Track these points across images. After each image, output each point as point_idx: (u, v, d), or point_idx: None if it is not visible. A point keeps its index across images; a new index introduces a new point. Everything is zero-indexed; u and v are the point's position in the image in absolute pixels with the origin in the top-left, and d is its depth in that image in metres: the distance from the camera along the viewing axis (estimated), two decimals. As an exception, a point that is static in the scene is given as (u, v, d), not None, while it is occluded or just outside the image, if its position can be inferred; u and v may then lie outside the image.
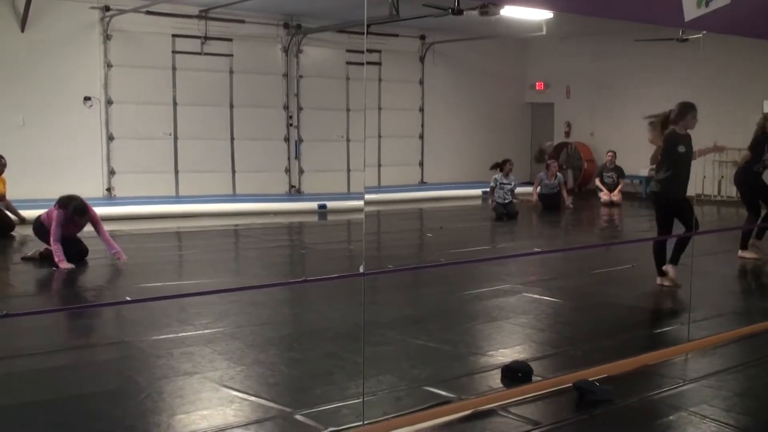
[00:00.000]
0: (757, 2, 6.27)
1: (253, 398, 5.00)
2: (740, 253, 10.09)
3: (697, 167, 17.46)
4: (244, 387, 5.21)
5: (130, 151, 15.44)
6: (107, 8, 14.90)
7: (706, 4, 5.73)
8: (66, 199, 9.43)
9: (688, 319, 6.56)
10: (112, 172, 15.38)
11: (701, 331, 6.55)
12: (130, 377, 5.43)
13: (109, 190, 15.29)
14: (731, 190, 17.50)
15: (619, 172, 17.30)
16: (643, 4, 5.58)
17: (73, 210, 9.32)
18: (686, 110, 8.21)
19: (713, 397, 5.09)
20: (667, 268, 8.31)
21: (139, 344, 6.22)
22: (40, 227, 9.61)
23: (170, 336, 6.38)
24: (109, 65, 15.13)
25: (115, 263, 9.42)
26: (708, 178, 17.65)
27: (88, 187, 13.61)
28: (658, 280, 8.40)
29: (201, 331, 6.54)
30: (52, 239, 9.15)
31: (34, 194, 12.88)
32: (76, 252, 9.44)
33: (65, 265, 9.07)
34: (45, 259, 9.44)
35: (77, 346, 6.40)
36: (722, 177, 17.72)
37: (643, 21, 5.93)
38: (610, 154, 17.54)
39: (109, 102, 15.21)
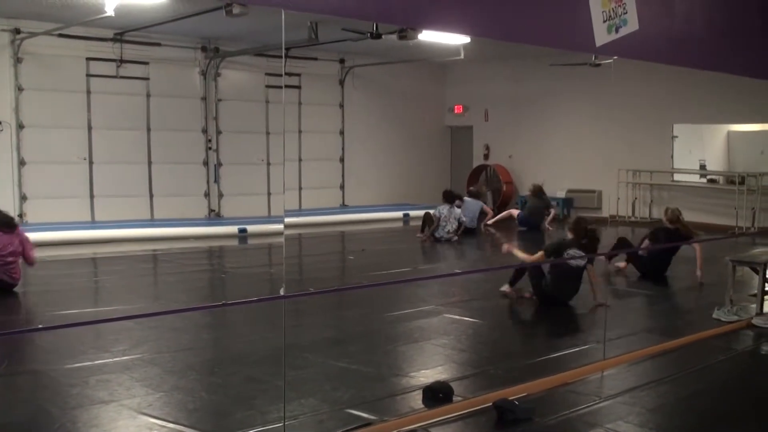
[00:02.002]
0: (664, 29, 6.49)
1: (172, 425, 4.91)
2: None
3: (611, 189, 18.03)
4: (163, 414, 5.12)
5: (43, 175, 15.05)
6: (18, 31, 14.55)
7: (616, 30, 5.92)
8: None
9: (604, 337, 6.70)
10: (24, 198, 14.97)
11: (616, 349, 6.71)
12: (42, 407, 5.28)
13: (21, 215, 14.86)
14: (644, 211, 18.03)
15: (547, 203, 17.05)
16: (556, 30, 5.72)
17: None
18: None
19: (628, 414, 5.21)
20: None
21: (53, 373, 6.05)
22: None
23: (86, 364, 6.23)
24: (20, 89, 14.76)
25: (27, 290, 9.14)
26: (622, 200, 18.08)
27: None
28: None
29: (118, 358, 6.40)
30: None
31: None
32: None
33: None
34: None
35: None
36: (636, 198, 18.21)
37: (557, 46, 6.08)
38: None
39: (20, 126, 14.81)
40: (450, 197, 14.93)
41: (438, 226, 14.43)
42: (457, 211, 14.72)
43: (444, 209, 14.58)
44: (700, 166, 17.93)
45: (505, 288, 9.14)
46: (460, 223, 14.57)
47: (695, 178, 17.84)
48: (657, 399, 5.58)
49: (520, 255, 9.09)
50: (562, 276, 8.52)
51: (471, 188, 17.46)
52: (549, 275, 8.64)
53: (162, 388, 5.68)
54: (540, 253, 8.71)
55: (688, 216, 11.50)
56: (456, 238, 14.36)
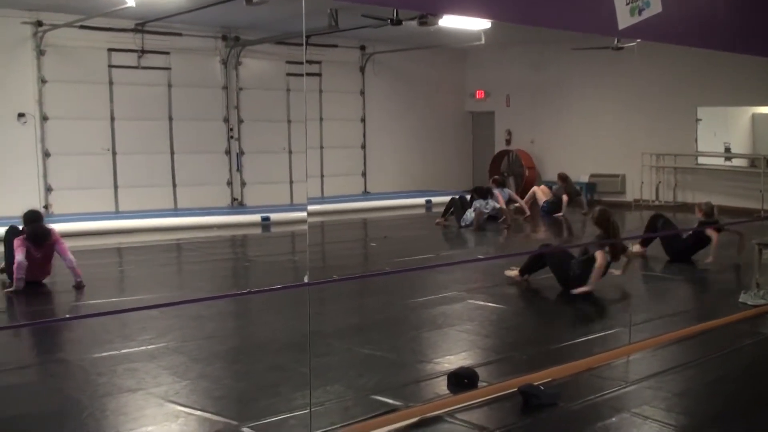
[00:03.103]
0: (688, 11, 6.43)
1: (198, 412, 4.95)
2: None
3: (634, 173, 17.92)
4: (190, 401, 5.16)
5: (67, 167, 15.16)
6: (40, 23, 14.63)
7: (639, 13, 5.86)
8: (26, 220, 9.12)
9: (629, 322, 6.68)
10: (49, 189, 15.09)
11: (641, 334, 6.68)
12: (71, 396, 5.33)
13: (46, 207, 14.98)
14: (668, 195, 17.91)
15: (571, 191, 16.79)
16: (578, 14, 5.68)
17: (29, 235, 8.94)
18: None
19: (654, 398, 5.19)
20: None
21: (80, 362, 6.12)
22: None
23: (113, 353, 6.28)
24: (43, 81, 14.86)
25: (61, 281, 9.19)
26: (646, 184, 17.98)
27: (24, 205, 13.31)
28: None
29: (144, 347, 6.45)
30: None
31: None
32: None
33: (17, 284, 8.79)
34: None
35: (15, 367, 6.25)
36: (659, 182, 18.08)
37: (579, 30, 6.03)
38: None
39: (44, 118, 14.92)
40: (483, 192, 14.93)
41: (463, 214, 14.46)
42: (492, 202, 14.74)
43: (480, 203, 14.58)
44: (724, 149, 17.76)
45: (513, 273, 9.08)
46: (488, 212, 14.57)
47: (719, 161, 17.67)
48: (683, 383, 5.56)
49: (594, 278, 8.38)
50: (586, 262, 8.45)
51: (496, 177, 17.32)
52: (576, 266, 8.51)
53: (188, 376, 5.73)
54: (601, 256, 8.34)
55: (712, 199, 11.42)
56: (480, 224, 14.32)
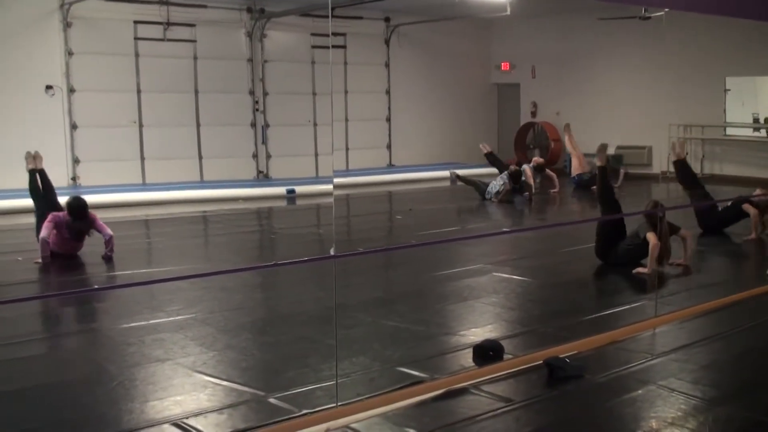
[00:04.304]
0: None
1: (226, 383, 5.00)
2: None
3: (662, 145, 17.77)
4: (217, 372, 5.21)
5: (94, 139, 15.27)
6: (67, -5, 14.72)
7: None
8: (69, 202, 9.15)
9: (655, 294, 6.65)
10: (76, 161, 15.22)
11: (667, 306, 6.66)
12: (100, 365, 5.41)
13: (74, 179, 15.14)
14: (695, 167, 17.72)
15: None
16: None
17: (70, 213, 8.99)
18: None
19: (681, 371, 5.18)
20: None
21: (110, 332, 6.20)
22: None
23: (141, 323, 6.35)
24: (70, 53, 14.94)
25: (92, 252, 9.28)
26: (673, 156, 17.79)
27: (52, 176, 13.36)
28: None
29: (172, 318, 6.52)
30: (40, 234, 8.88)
31: (-3, 185, 12.73)
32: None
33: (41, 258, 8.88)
34: None
35: (46, 336, 6.35)
36: (687, 153, 17.88)
37: None
38: None
39: (71, 90, 15.02)
40: (515, 177, 14.68)
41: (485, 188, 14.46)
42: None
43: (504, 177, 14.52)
44: (753, 119, 17.54)
45: (644, 271, 8.15)
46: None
47: (748, 132, 17.46)
48: (710, 356, 5.54)
49: (651, 261, 7.98)
50: (636, 247, 8.27)
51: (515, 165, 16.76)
52: (625, 246, 8.37)
53: (215, 347, 5.78)
54: (654, 239, 7.93)
55: (741, 171, 11.29)
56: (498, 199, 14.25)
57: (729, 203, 10.43)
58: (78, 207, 9.06)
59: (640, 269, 8.07)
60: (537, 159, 16.21)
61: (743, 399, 4.74)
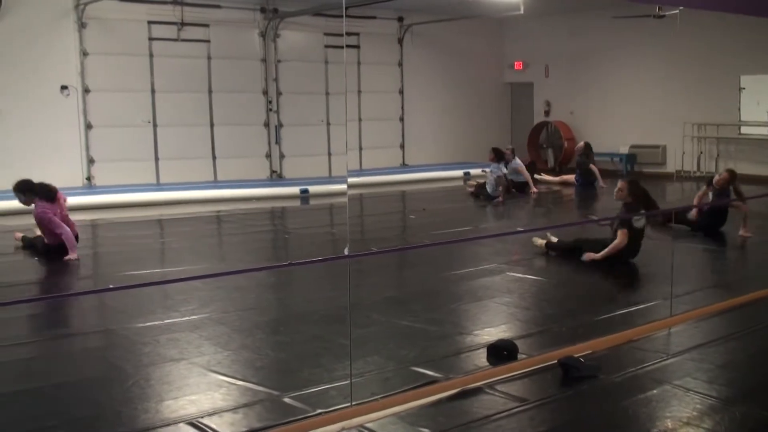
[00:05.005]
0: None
1: (240, 382, 5.01)
2: None
3: (676, 143, 17.71)
4: (232, 371, 5.23)
5: (109, 139, 15.34)
6: (82, -4, 14.79)
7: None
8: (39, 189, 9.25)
9: (671, 294, 6.62)
10: (91, 161, 15.29)
11: (683, 306, 6.63)
12: (116, 365, 5.43)
13: (89, 179, 15.21)
14: (710, 166, 17.67)
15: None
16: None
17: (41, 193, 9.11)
18: None
19: (696, 370, 5.16)
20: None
21: (125, 332, 6.22)
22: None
23: (156, 323, 6.38)
24: (85, 53, 15.01)
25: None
26: (687, 154, 17.76)
27: (67, 176, 13.56)
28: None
29: (187, 318, 6.54)
30: (60, 230, 8.95)
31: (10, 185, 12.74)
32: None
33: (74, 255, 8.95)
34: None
35: (61, 335, 6.38)
36: (701, 153, 17.84)
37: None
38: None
39: (86, 90, 15.09)
40: (499, 154, 14.62)
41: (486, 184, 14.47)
42: (502, 167, 14.47)
43: (494, 168, 14.43)
44: (768, 118, 17.46)
45: (541, 242, 9.16)
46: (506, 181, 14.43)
47: (763, 131, 17.36)
48: (725, 355, 5.51)
49: (607, 250, 8.44)
50: (631, 238, 8.38)
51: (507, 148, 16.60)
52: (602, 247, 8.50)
53: (230, 346, 5.80)
54: (623, 236, 8.35)
55: (756, 169, 11.23)
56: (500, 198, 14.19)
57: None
58: (49, 189, 9.17)
59: (590, 254, 8.45)
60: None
61: (759, 398, 4.71)
